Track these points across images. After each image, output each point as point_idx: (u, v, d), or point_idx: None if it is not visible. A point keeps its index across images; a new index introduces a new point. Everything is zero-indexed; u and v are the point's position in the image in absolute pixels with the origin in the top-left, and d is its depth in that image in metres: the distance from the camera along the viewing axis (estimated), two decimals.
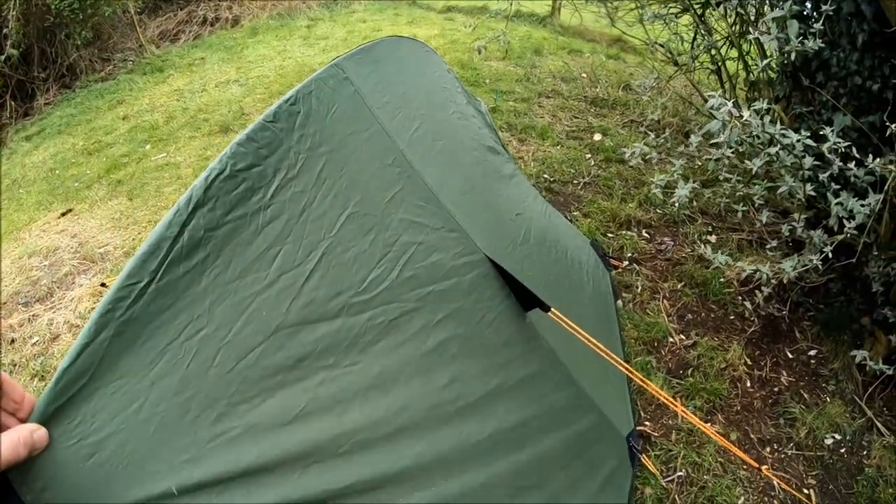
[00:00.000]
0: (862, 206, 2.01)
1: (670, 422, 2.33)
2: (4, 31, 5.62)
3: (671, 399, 2.13)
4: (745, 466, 2.17)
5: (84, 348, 0.77)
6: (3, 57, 5.61)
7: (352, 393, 1.06)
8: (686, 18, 3.51)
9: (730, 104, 1.97)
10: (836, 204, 2.01)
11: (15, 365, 2.99)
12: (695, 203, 3.26)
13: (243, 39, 7.10)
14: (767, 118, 1.96)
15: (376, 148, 1.50)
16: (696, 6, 3.33)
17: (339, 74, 1.54)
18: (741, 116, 2.10)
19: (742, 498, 2.08)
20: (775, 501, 2.09)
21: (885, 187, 1.99)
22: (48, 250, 3.77)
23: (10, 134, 5.86)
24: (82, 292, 3.35)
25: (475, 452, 1.28)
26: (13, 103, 6.04)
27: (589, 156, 4.12)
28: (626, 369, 1.81)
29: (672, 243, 3.27)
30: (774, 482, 2.09)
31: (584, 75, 5.28)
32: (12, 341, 3.17)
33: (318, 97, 1.40)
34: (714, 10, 3.24)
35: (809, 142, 2.01)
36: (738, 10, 2.91)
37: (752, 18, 2.91)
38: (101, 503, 0.73)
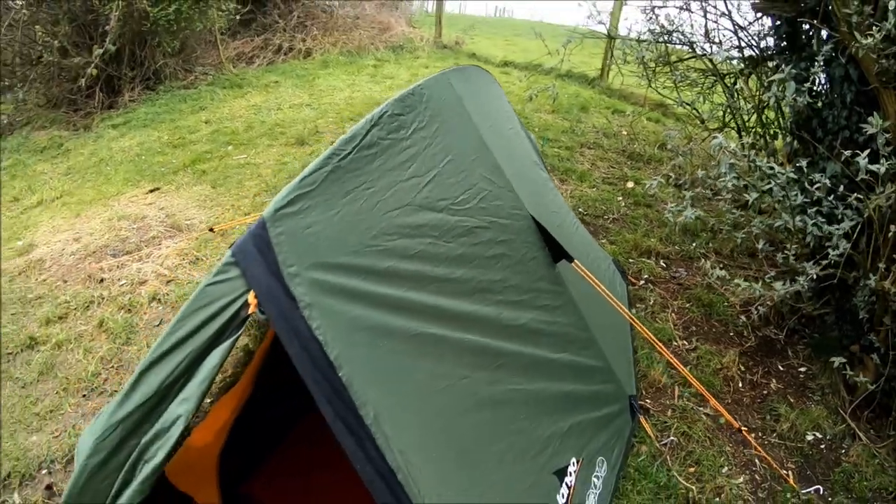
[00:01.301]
0: (837, 229, 2.59)
1: (667, 402, 2.84)
2: (105, 28, 6.58)
3: (661, 345, 2.66)
4: (730, 442, 2.65)
5: (312, 173, 1.40)
6: (101, 51, 6.55)
7: (446, 258, 1.67)
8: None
9: (721, 137, 2.60)
10: (813, 225, 2.59)
11: (103, 298, 3.61)
12: (705, 237, 3.85)
13: (314, 70, 8.09)
14: (753, 151, 2.58)
15: (466, 128, 2.18)
16: (727, 78, 4.06)
17: (445, 79, 2.24)
18: (733, 150, 2.75)
19: (726, 467, 2.55)
20: (756, 476, 2.54)
21: (864, 215, 2.55)
22: (137, 216, 4.49)
23: (97, 121, 6.77)
24: (169, 252, 4.03)
25: (510, 332, 1.87)
26: (101, 94, 6.98)
27: (620, 198, 4.77)
28: (630, 318, 2.38)
29: (685, 273, 3.84)
30: (756, 460, 2.57)
31: (625, 132, 6.02)
32: (101, 280, 3.82)
33: (434, 89, 2.09)
34: (745, 79, 3.95)
35: (793, 175, 2.63)
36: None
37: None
38: (317, 260, 1.34)
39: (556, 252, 2.23)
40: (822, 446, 2.70)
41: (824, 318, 3.23)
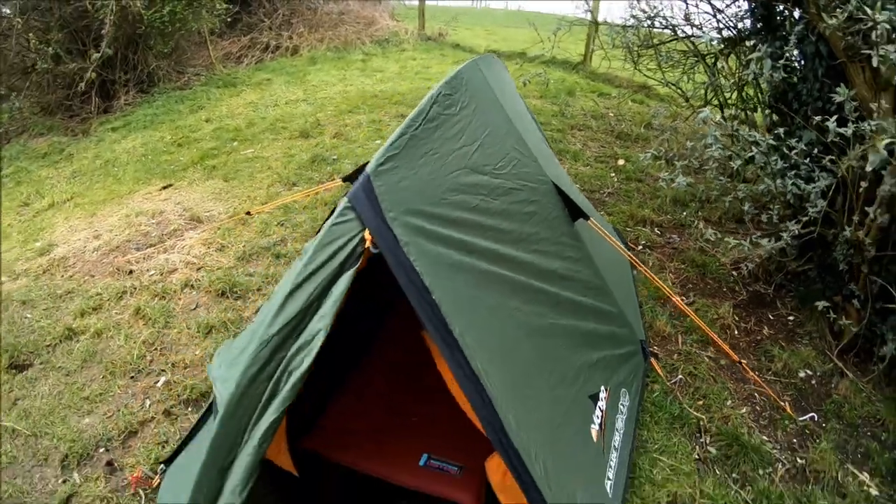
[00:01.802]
0: (814, 188, 2.96)
1: (672, 348, 3.20)
2: (101, 32, 6.76)
3: (670, 291, 3.02)
4: (731, 380, 3.01)
5: (396, 140, 1.73)
6: (98, 55, 6.74)
7: (495, 212, 2.00)
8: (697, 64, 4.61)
9: (707, 110, 2.96)
10: (792, 185, 2.96)
11: (135, 288, 3.84)
12: (695, 206, 4.23)
13: (303, 67, 8.34)
14: (736, 122, 2.95)
15: (495, 107, 2.50)
16: (708, 58, 4.43)
17: (476, 66, 2.54)
18: (719, 121, 3.12)
19: (730, 400, 2.90)
20: (757, 407, 2.89)
21: (838, 174, 2.92)
22: (154, 212, 4.73)
23: (95, 126, 6.96)
24: (193, 242, 4.28)
25: (545, 276, 2.22)
26: (97, 99, 7.17)
27: (613, 175, 5.14)
28: (640, 265, 2.73)
29: (679, 238, 4.22)
30: (756, 394, 2.94)
31: (611, 114, 6.41)
32: (130, 272, 4.06)
33: (469, 73, 2.38)
34: (726, 58, 4.32)
35: (773, 142, 3.01)
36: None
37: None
38: (408, 207, 1.67)
39: (574, 212, 2.58)
40: (814, 381, 3.07)
41: (808, 273, 3.61)
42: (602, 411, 2.27)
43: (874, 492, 2.40)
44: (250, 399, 1.43)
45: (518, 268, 2.03)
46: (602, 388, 2.32)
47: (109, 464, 2.61)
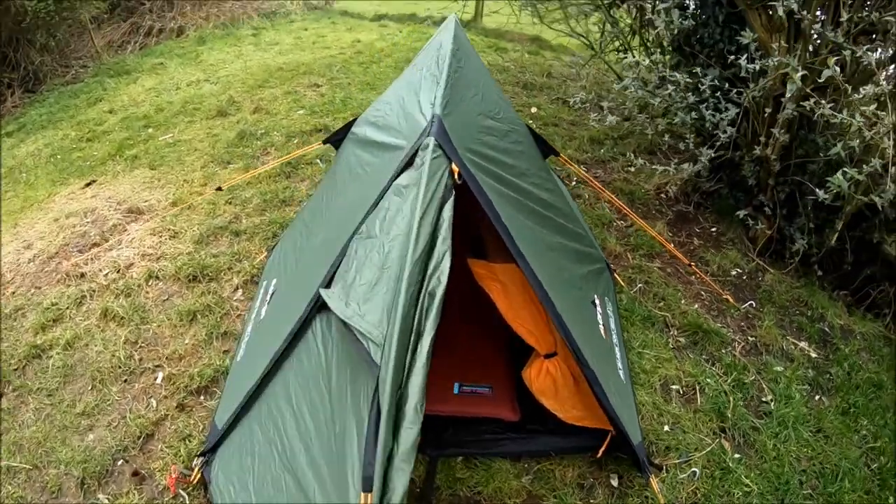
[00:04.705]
0: (723, 118, 3.30)
1: (625, 264, 3.50)
2: None
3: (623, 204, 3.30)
4: (680, 283, 3.36)
5: (445, 88, 1.81)
6: None
7: (505, 150, 2.17)
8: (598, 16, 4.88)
9: (629, 56, 3.21)
10: (710, 116, 3.29)
11: (94, 290, 3.44)
12: (610, 144, 4.56)
13: (193, 47, 7.67)
14: (648, 62, 3.22)
15: (475, 59, 2.58)
16: (604, 4, 4.69)
17: (458, 24, 2.58)
18: (639, 64, 3.38)
19: (683, 300, 3.24)
20: (706, 302, 3.27)
21: (741, 105, 3.28)
22: (85, 211, 4.25)
23: None
24: (141, 234, 3.92)
25: (543, 203, 2.38)
26: None
27: (531, 121, 5.34)
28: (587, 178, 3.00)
29: (603, 173, 4.54)
30: (702, 292, 3.30)
31: (513, 67, 6.59)
32: (82, 275, 3.66)
33: (459, 32, 2.44)
34: (619, 7, 4.60)
35: (688, 80, 3.31)
36: (639, 4, 4.25)
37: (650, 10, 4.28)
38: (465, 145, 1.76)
39: (546, 149, 2.75)
40: (745, 277, 3.51)
41: (720, 191, 4.06)
42: (601, 315, 2.49)
43: (813, 354, 2.88)
44: (406, 326, 1.45)
45: (527, 196, 2.18)
46: (594, 296, 2.54)
47: (136, 474, 2.36)
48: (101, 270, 3.66)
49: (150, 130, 5.33)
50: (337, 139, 2.83)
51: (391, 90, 2.61)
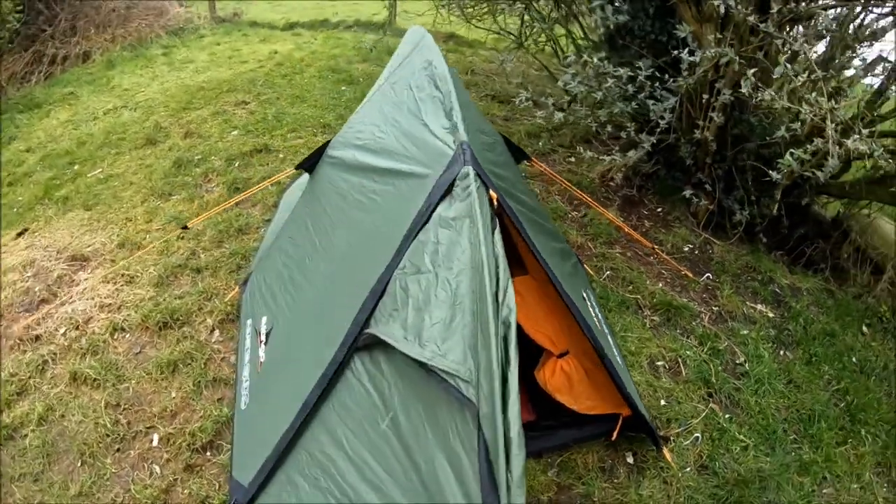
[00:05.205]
0: (664, 108, 3.53)
1: (589, 253, 3.69)
2: None
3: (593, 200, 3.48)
4: (641, 265, 3.57)
5: (452, 109, 1.87)
6: None
7: (497, 163, 2.22)
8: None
9: (573, 55, 3.37)
10: (653, 107, 3.51)
11: (55, 354, 3.15)
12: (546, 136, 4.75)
13: (102, 72, 7.14)
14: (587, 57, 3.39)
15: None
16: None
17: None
18: (585, 62, 3.55)
19: (648, 281, 3.46)
20: (668, 279, 3.51)
21: (677, 93, 3.51)
22: (24, 264, 3.89)
23: None
24: (92, 283, 3.64)
25: (529, 206, 2.48)
26: None
27: None
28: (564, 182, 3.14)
29: (547, 165, 4.71)
30: (663, 271, 3.54)
31: None
32: (37, 338, 3.37)
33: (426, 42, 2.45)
34: (538, 1, 4.76)
35: (630, 74, 3.51)
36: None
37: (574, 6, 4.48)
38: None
39: (518, 155, 2.86)
40: (697, 252, 3.79)
41: (658, 173, 4.33)
42: (591, 306, 2.64)
43: (771, 314, 3.19)
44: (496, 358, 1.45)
45: (525, 206, 2.28)
46: (582, 290, 2.69)
47: None
48: (57, 329, 3.37)
49: (77, 167, 4.95)
50: (311, 164, 2.76)
51: (370, 110, 2.53)
